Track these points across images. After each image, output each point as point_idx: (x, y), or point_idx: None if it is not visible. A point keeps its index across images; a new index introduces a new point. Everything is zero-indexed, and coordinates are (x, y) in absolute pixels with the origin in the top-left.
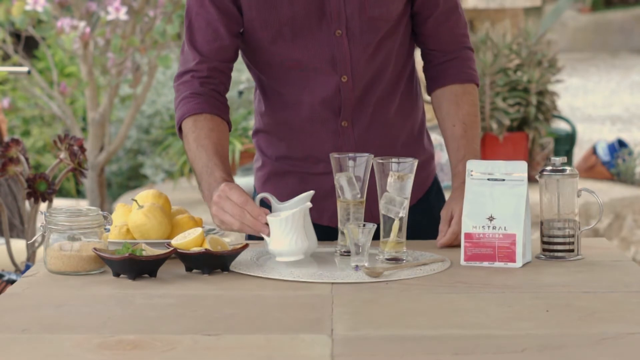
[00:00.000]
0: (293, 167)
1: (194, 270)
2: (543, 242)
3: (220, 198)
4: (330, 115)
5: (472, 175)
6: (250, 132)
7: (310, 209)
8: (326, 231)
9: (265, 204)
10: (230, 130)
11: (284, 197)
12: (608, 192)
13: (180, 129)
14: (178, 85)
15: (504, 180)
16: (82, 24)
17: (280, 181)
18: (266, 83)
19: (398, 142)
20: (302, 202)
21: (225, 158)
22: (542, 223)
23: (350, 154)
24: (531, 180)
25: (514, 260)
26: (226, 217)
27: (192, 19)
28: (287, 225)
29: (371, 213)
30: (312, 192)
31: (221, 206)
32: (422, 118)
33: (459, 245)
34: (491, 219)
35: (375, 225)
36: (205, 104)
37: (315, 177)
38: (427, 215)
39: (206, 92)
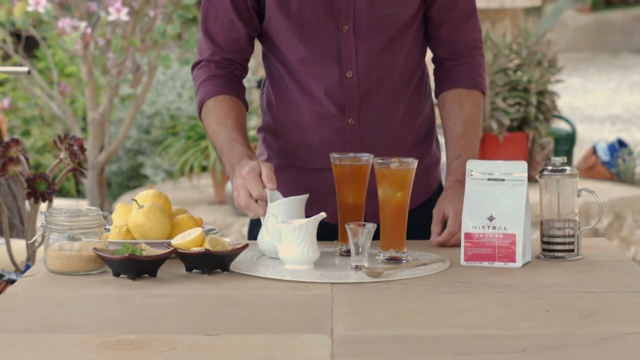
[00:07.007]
0: (298, 162)
1: (194, 270)
2: (543, 242)
3: (250, 176)
4: (337, 111)
5: (472, 175)
6: (250, 132)
7: (314, 205)
8: (327, 227)
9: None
10: (247, 110)
11: (286, 192)
12: (608, 192)
13: (200, 112)
14: (196, 71)
15: (504, 180)
16: (82, 24)
17: (285, 176)
18: (276, 75)
19: (404, 144)
20: (297, 201)
21: (244, 133)
22: (542, 223)
23: (351, 154)
24: (531, 180)
25: (514, 260)
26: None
27: (208, 8)
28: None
29: (371, 213)
30: (306, 195)
31: (244, 188)
32: (432, 122)
33: (457, 245)
34: (491, 218)
35: (375, 225)
36: (222, 86)
37: (320, 173)
38: (429, 218)
39: (223, 74)
